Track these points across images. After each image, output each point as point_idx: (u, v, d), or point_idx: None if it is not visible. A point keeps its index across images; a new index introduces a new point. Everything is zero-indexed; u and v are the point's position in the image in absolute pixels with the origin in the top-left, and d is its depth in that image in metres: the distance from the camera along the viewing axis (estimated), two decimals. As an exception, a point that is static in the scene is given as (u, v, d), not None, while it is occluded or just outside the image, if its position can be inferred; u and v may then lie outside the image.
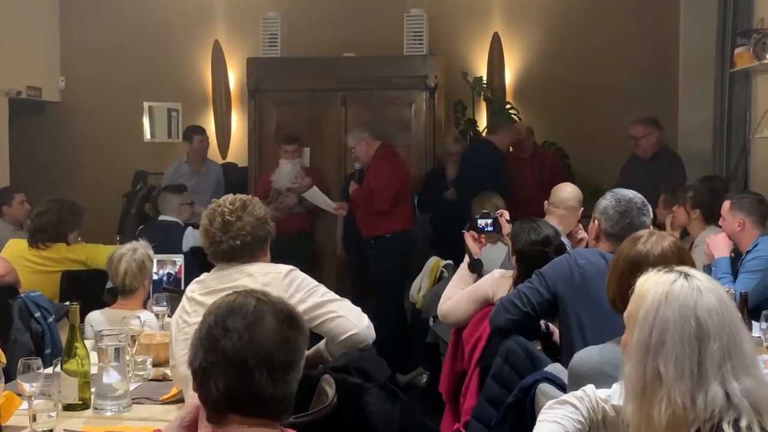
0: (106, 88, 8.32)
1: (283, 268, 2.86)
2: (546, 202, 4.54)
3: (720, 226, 4.55)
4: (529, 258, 3.62)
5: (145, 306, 3.96)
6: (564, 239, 3.98)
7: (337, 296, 2.90)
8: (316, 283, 2.89)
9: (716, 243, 4.43)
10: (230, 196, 2.99)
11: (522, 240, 3.69)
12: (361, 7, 7.80)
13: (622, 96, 7.39)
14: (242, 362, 1.72)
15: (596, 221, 3.48)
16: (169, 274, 4.66)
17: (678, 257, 2.48)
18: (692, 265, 2.42)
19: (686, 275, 1.86)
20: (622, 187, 5.77)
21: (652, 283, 1.87)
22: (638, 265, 2.32)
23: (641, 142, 6.33)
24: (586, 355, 2.52)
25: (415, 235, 6.78)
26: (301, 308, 2.71)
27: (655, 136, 6.32)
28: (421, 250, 6.70)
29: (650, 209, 3.48)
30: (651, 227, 3.47)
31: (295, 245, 6.69)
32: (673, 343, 1.77)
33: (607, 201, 3.47)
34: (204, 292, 2.83)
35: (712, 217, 4.80)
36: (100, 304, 4.14)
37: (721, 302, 1.81)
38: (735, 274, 4.34)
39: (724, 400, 1.72)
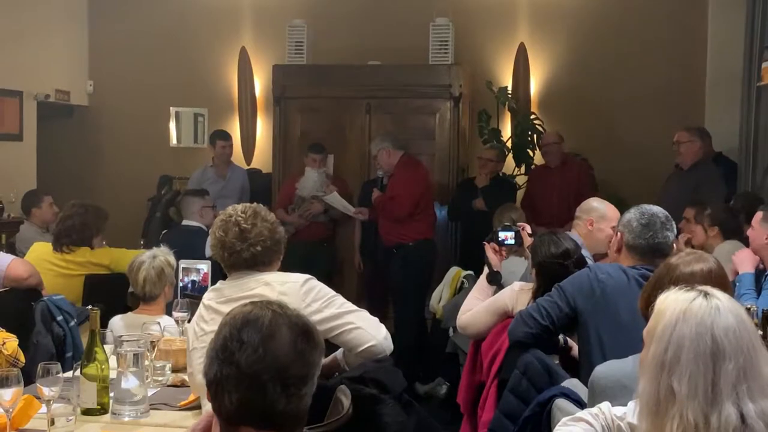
0: (134, 92, 8.40)
1: (300, 277, 2.86)
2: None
3: (741, 241, 4.52)
4: (549, 271, 3.60)
5: (170, 311, 3.97)
6: (585, 252, 3.96)
7: (355, 307, 2.89)
8: (334, 293, 2.88)
9: (741, 258, 4.38)
10: (238, 206, 2.98)
11: (542, 253, 3.67)
12: (387, 15, 7.81)
13: (648, 108, 7.36)
14: (256, 376, 1.71)
15: (619, 233, 3.47)
16: (193, 282, 4.66)
17: (717, 280, 2.48)
18: (729, 288, 2.43)
19: (706, 294, 1.85)
20: (660, 198, 5.85)
21: (671, 301, 1.87)
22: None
23: (682, 149, 6.21)
24: (607, 368, 2.51)
25: (438, 244, 6.77)
26: (317, 318, 2.71)
27: (697, 144, 6.20)
28: (445, 259, 6.70)
29: (674, 225, 3.47)
30: (674, 243, 3.47)
31: (315, 253, 6.72)
32: (687, 360, 1.77)
33: (631, 214, 3.46)
34: (221, 301, 2.83)
35: (731, 234, 4.78)
36: (124, 308, 4.16)
37: (740, 322, 1.80)
38: (760, 290, 4.29)
39: (737, 422, 1.71)
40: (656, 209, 3.45)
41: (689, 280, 2.40)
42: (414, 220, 6.45)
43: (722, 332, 1.77)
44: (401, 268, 6.45)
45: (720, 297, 1.84)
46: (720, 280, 2.59)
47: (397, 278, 6.49)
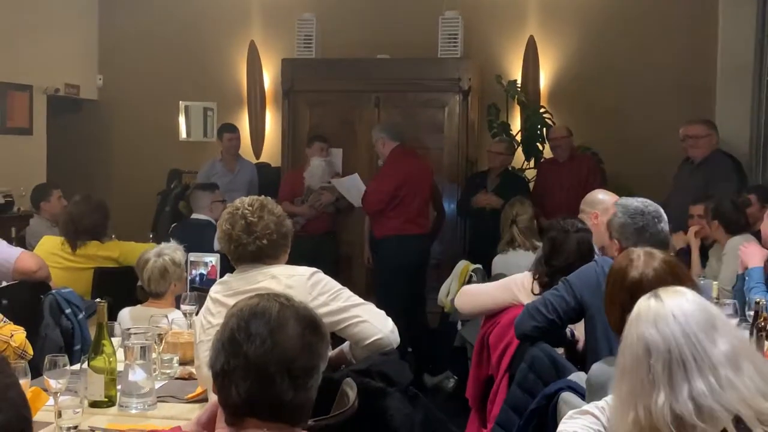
0: (143, 86, 8.42)
1: (307, 270, 2.86)
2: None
3: (752, 235, 4.50)
4: (551, 237, 3.68)
5: (179, 304, 3.96)
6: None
7: (361, 300, 2.89)
8: (340, 286, 2.88)
9: (750, 252, 4.36)
10: (245, 198, 2.98)
11: (550, 224, 3.78)
12: (396, 9, 7.81)
13: (659, 101, 7.33)
14: (264, 368, 1.72)
15: (616, 241, 3.43)
16: (201, 275, 4.66)
17: (671, 275, 2.46)
18: (688, 278, 2.49)
19: (651, 296, 1.92)
20: (674, 194, 5.82)
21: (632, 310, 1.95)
22: (636, 293, 2.24)
23: (701, 143, 6.06)
24: (603, 366, 2.51)
25: (445, 239, 6.75)
26: (324, 311, 2.71)
27: (715, 138, 6.11)
28: (454, 253, 6.68)
29: (662, 212, 3.44)
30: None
31: (322, 246, 6.71)
32: (628, 363, 1.86)
33: (620, 219, 3.42)
34: (228, 294, 2.83)
35: (734, 228, 4.76)
36: (133, 301, 4.17)
37: (675, 313, 1.85)
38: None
39: (672, 405, 1.77)
40: (640, 205, 3.42)
41: (640, 285, 2.43)
42: (386, 215, 6.35)
43: (651, 326, 1.84)
44: (382, 260, 6.44)
45: (662, 296, 1.89)
46: (677, 266, 2.60)
47: (378, 270, 6.48)
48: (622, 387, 1.86)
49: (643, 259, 2.55)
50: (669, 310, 1.85)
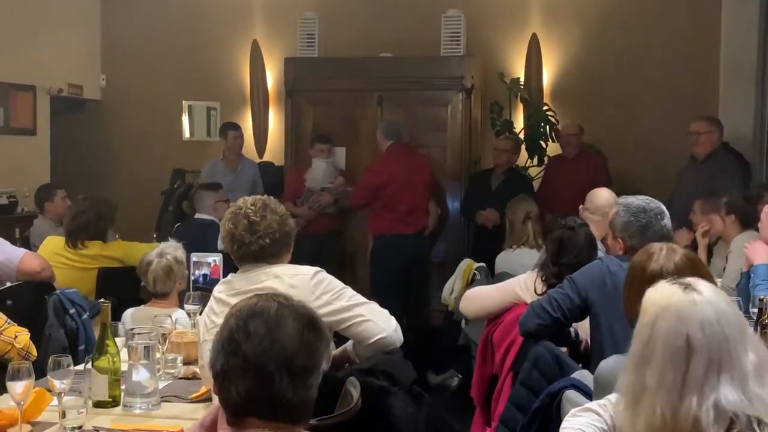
0: (146, 86, 8.42)
1: (310, 269, 2.86)
2: (581, 206, 4.50)
3: (758, 230, 4.49)
4: (556, 237, 3.67)
5: (182, 304, 3.96)
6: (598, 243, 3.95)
7: (365, 299, 2.89)
8: (343, 285, 2.89)
9: (755, 250, 4.35)
10: (249, 198, 2.99)
11: (552, 225, 3.77)
12: (399, 7, 7.80)
13: (661, 99, 7.32)
14: (263, 367, 1.72)
15: (620, 240, 3.43)
16: (204, 275, 4.66)
17: (692, 269, 2.46)
18: (708, 274, 2.47)
19: (686, 287, 1.87)
20: (676, 189, 5.79)
21: (655, 296, 1.91)
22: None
23: (702, 139, 6.08)
24: (612, 363, 2.50)
25: (449, 236, 6.72)
26: (327, 310, 2.72)
27: (716, 135, 6.11)
28: (458, 251, 6.67)
29: (664, 207, 3.45)
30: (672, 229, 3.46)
31: (324, 245, 6.70)
32: (662, 355, 1.81)
33: (623, 218, 3.41)
34: (231, 294, 2.84)
35: (749, 222, 4.74)
36: (137, 301, 4.17)
37: (719, 316, 1.82)
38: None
39: (697, 412, 1.75)
40: (642, 203, 3.42)
41: (661, 277, 2.40)
42: (377, 213, 6.37)
43: (697, 326, 1.80)
44: (373, 259, 6.46)
45: (701, 289, 1.86)
46: (698, 262, 2.61)
47: (372, 268, 6.50)
48: (648, 375, 1.81)
49: (664, 253, 2.58)
50: (713, 312, 1.82)
